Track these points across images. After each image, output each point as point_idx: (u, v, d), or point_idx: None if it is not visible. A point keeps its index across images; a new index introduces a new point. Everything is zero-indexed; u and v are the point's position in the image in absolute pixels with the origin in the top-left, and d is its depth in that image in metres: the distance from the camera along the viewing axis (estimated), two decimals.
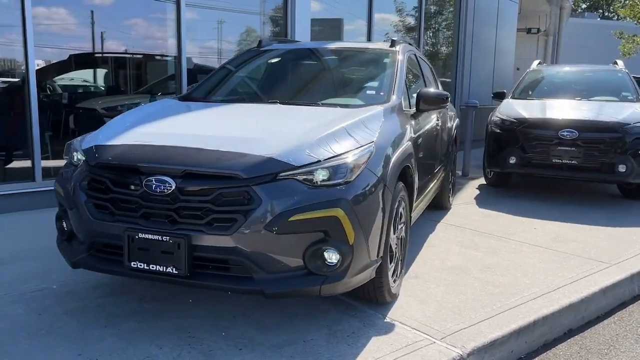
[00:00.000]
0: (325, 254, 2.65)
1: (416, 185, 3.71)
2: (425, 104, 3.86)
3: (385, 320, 3.08)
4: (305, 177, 2.60)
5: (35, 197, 5.37)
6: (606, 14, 42.71)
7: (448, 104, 4.00)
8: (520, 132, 6.58)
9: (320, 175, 2.63)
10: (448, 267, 4.01)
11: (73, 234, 2.98)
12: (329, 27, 10.13)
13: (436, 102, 3.90)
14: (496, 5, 12.56)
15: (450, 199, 5.95)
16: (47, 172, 5.55)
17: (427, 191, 4.35)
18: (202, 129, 3.04)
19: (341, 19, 10.37)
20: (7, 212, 5.22)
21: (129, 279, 3.43)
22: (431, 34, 11.98)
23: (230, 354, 2.65)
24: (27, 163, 5.50)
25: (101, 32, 7.15)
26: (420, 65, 4.84)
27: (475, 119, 8.40)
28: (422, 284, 3.67)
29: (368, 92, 3.92)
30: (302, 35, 7.52)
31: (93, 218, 2.78)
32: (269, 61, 4.54)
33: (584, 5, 43.02)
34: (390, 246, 3.19)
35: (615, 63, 8.39)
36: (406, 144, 3.38)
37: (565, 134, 6.22)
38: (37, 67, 5.69)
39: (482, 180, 7.75)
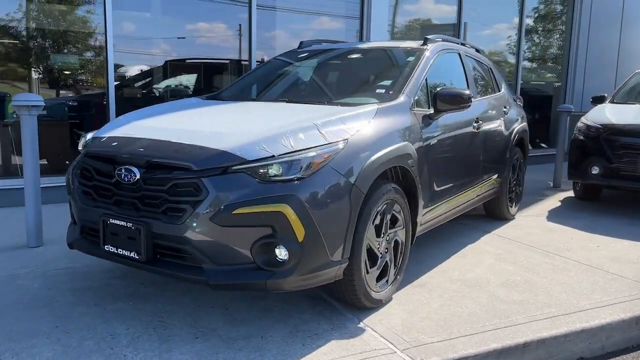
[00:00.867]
0: (277, 250, 2.63)
1: (422, 189, 3.51)
2: (443, 103, 3.65)
3: (357, 325, 2.96)
4: (256, 171, 2.61)
5: None
6: None
7: (470, 104, 3.73)
8: (605, 139, 5.92)
9: (272, 170, 2.62)
10: (464, 279, 3.74)
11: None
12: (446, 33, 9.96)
13: (455, 102, 3.66)
14: (621, 4, 11.35)
15: (512, 209, 5.51)
16: None
17: (454, 197, 4.09)
18: (187, 125, 3.17)
19: (454, 24, 10.12)
20: None
21: None
22: (538, 36, 11.18)
23: (185, 341, 2.73)
24: None
25: (192, 40, 7.72)
26: (464, 66, 4.56)
27: (572, 125, 7.67)
28: (424, 293, 3.46)
29: (378, 90, 3.80)
30: (379, 37, 7.44)
31: (81, 203, 3.03)
32: (298, 61, 4.58)
33: None
34: (372, 249, 3.07)
35: None
36: (401, 145, 3.23)
37: None
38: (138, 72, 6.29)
39: (572, 193, 7.07)
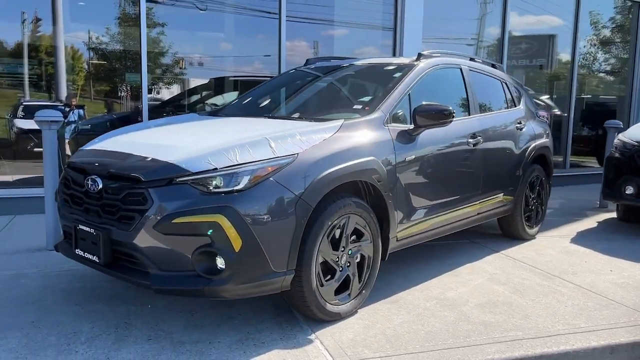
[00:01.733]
0: (217, 259, 2.75)
1: (395, 205, 3.50)
2: (422, 118, 3.64)
3: (307, 337, 3.01)
4: (199, 183, 2.75)
5: None
6: None
7: (451, 120, 3.68)
8: None
9: (214, 182, 2.75)
10: (442, 298, 3.67)
11: None
12: (537, 44, 9.82)
13: (434, 118, 3.63)
14: None
15: (530, 229, 5.29)
16: None
17: (443, 214, 4.02)
18: (159, 139, 3.37)
19: (552, 35, 9.94)
20: None
21: None
22: (597, 49, 10.61)
23: (137, 342, 2.90)
24: None
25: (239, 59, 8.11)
26: (465, 81, 4.49)
27: None
28: (393, 309, 3.44)
29: (356, 106, 3.84)
30: (412, 51, 7.42)
31: (62, 209, 3.31)
32: (295, 79, 4.71)
33: None
34: (327, 262, 3.11)
35: None
36: (364, 160, 3.25)
37: None
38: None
39: (616, 214, 6.65)
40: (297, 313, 3.27)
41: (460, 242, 5.11)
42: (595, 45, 10.47)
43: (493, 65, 5.25)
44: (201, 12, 7.37)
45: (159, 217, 2.72)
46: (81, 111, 7.23)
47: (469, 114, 4.44)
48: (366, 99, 3.92)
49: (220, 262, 2.74)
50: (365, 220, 3.31)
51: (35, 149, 6.90)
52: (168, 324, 3.15)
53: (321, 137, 3.15)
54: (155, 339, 2.95)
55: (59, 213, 3.40)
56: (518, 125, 5.02)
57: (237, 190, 2.74)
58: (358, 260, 3.34)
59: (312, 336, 3.02)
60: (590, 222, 6.33)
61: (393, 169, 3.48)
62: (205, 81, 8.30)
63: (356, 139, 3.31)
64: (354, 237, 3.30)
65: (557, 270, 4.37)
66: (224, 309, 3.35)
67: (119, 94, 7.35)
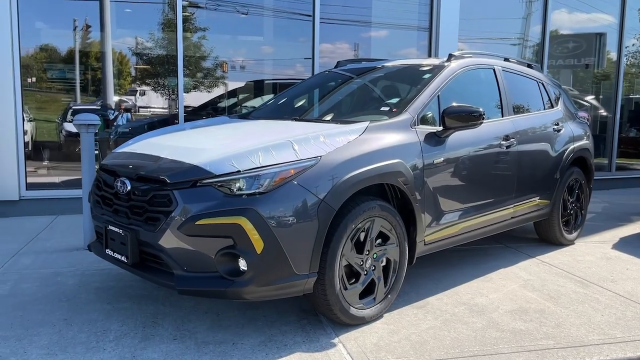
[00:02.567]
0: (240, 261, 2.77)
1: (423, 208, 3.45)
2: (451, 120, 3.57)
3: (331, 340, 3.00)
4: (222, 185, 2.77)
5: None
6: None
7: (482, 121, 3.60)
8: None
9: (237, 185, 2.77)
10: (472, 304, 3.59)
11: None
12: (585, 42, 9.60)
13: (464, 119, 3.57)
14: None
15: (568, 234, 5.12)
16: None
17: (474, 217, 3.93)
18: (187, 142, 3.43)
19: (601, 33, 9.70)
20: None
21: None
22: None
23: (162, 341, 2.96)
24: None
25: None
26: (498, 82, 4.38)
27: None
28: (419, 314, 3.39)
29: (384, 108, 3.80)
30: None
31: (94, 211, 3.41)
32: (326, 81, 4.70)
33: None
34: (351, 266, 3.09)
35: None
36: (389, 163, 3.21)
37: None
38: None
39: None
40: (322, 316, 3.26)
41: (494, 246, 5.00)
42: None
43: (529, 66, 5.11)
44: (242, 16, 7.48)
45: (183, 219, 2.76)
46: (129, 115, 7.49)
47: (502, 116, 4.33)
48: (394, 100, 3.88)
49: (242, 264, 2.76)
50: (390, 224, 3.27)
51: None
52: (194, 323, 3.19)
53: (345, 139, 3.13)
54: (181, 338, 2.99)
55: (91, 214, 3.50)
56: (555, 126, 4.87)
57: (260, 193, 2.75)
58: (384, 264, 3.31)
59: (336, 340, 3.00)
60: (635, 228, 6.08)
61: (420, 172, 3.43)
62: (242, 84, 8.40)
63: (382, 141, 3.28)
64: (379, 240, 3.27)
65: (595, 277, 4.21)
66: (249, 311, 3.37)
67: (161, 97, 7.55)
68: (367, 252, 3.18)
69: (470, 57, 4.31)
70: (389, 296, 3.34)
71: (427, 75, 3.94)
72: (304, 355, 2.82)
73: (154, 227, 2.86)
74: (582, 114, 5.65)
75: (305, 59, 7.50)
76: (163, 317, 3.28)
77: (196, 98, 7.87)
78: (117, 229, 3.09)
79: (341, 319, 3.08)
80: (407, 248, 3.42)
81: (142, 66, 7.52)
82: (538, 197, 4.65)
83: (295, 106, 4.50)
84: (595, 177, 5.63)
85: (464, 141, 3.79)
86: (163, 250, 2.85)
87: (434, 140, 3.58)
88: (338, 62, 4.98)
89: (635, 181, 9.20)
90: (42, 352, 2.80)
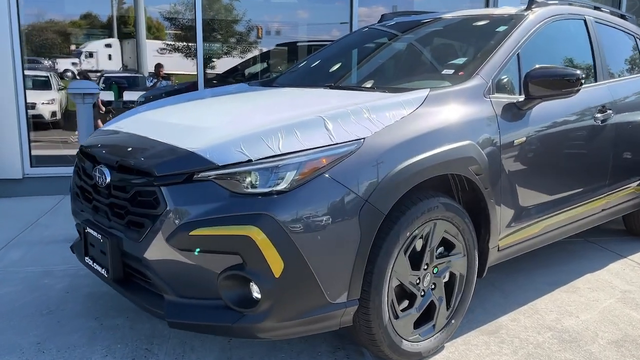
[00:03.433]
0: (251, 286, 2.00)
1: (499, 204, 2.59)
2: (537, 87, 2.67)
3: None
4: (227, 180, 1.99)
5: None
6: None
7: (579, 88, 2.69)
8: None
9: (247, 180, 1.98)
10: (560, 328, 2.74)
11: None
12: None
13: (555, 86, 2.66)
14: None
15: None
16: None
17: (559, 213, 3.05)
18: (189, 117, 2.63)
19: None
20: None
21: None
22: None
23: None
24: None
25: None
26: (590, 37, 3.42)
27: None
28: (491, 343, 2.57)
29: (446, 71, 2.91)
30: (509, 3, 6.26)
31: (72, 205, 2.68)
32: (368, 39, 3.81)
33: None
34: (404, 286, 2.29)
35: None
36: (459, 145, 2.37)
37: None
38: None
39: None
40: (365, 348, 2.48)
41: (572, 241, 4.09)
42: None
43: (623, 17, 4.08)
44: None
45: (173, 227, 1.99)
46: (169, 82, 6.99)
47: (596, 81, 3.38)
48: (459, 61, 2.98)
49: (255, 291, 1.99)
50: (457, 227, 2.44)
51: None
52: (197, 353, 2.46)
53: (398, 114, 2.28)
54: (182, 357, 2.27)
55: (71, 209, 2.77)
56: None
57: (278, 192, 1.95)
58: (446, 279, 2.49)
59: None
60: None
61: (497, 156, 2.56)
62: (272, 48, 7.58)
63: (446, 115, 2.42)
64: (441, 249, 2.44)
65: None
66: None
67: (189, 63, 6.89)
68: (426, 267, 2.37)
69: (556, 4, 3.34)
70: (453, 322, 2.53)
71: (501, 29, 3.01)
72: None
73: (138, 235, 2.10)
74: None
75: (341, 23, 6.63)
76: (160, 343, 2.56)
77: (224, 64, 7.15)
78: (96, 233, 2.35)
79: (390, 357, 2.29)
80: (476, 257, 2.58)
81: (174, 31, 6.95)
82: (637, 183, 3.70)
83: (329, 70, 3.64)
84: None
85: (551, 114, 2.88)
86: (149, 266, 2.10)
87: (513, 113, 2.69)
88: (383, 16, 4.08)
89: None
90: None
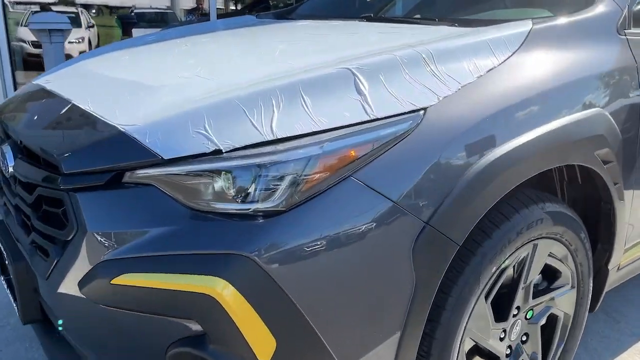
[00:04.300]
0: None
1: (628, 207, 1.65)
2: None
3: None
4: (180, 185, 1.11)
5: None
6: None
7: None
8: None
9: (214, 187, 1.10)
10: None
11: None
12: None
13: None
14: None
15: None
16: None
17: None
18: (144, 68, 1.71)
19: None
20: None
21: None
22: None
23: None
24: None
25: None
26: None
27: None
28: None
29: None
30: None
31: None
32: None
33: None
34: (480, 348, 1.41)
35: None
36: (584, 115, 1.42)
37: None
38: None
39: None
40: None
41: None
42: None
43: None
44: None
45: (86, 266, 1.14)
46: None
47: None
48: None
49: None
50: (567, 248, 1.52)
51: None
52: None
53: (482, 64, 1.33)
54: None
55: None
56: None
57: (268, 212, 1.08)
58: (540, 328, 1.60)
59: None
60: None
61: (636, 132, 1.59)
62: None
63: (560, 66, 1.45)
64: (538, 280, 1.54)
65: None
66: None
67: None
68: (516, 312, 1.48)
69: None
70: None
71: None
72: None
73: (44, 269, 1.26)
74: None
75: None
76: None
77: None
78: (1, 246, 1.54)
79: None
80: (591, 286, 1.67)
81: None
82: None
83: None
84: None
85: None
86: (57, 316, 1.28)
87: None
88: None
89: None
90: None
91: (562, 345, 1.66)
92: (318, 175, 1.09)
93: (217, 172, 1.10)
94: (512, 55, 1.38)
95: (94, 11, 9.38)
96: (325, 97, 1.18)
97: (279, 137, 1.10)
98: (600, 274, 1.73)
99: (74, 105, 1.41)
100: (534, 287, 1.51)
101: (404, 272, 1.16)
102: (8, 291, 1.60)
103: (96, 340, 1.22)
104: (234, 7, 9.28)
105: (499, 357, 1.48)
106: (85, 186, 1.17)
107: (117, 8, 8.78)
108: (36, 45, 5.16)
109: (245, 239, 1.05)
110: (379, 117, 1.16)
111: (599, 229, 1.67)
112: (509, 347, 1.51)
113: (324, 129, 1.12)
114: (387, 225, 1.12)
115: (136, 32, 6.12)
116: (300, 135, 1.11)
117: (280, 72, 1.30)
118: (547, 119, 1.34)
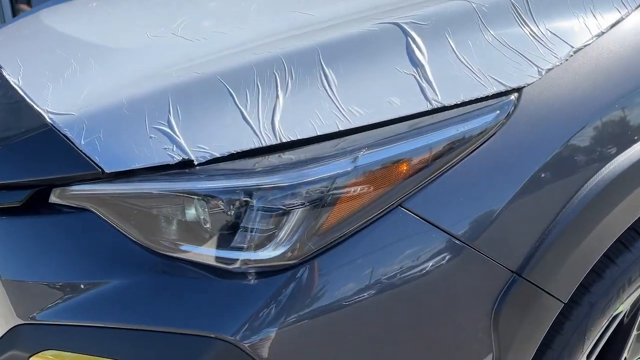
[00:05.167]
0: None
1: None
2: None
3: None
4: (134, 215, 0.71)
5: None
6: None
7: None
8: None
9: (187, 218, 0.70)
10: None
11: None
12: None
13: None
14: None
15: None
16: None
17: None
18: (122, 27, 1.26)
19: None
20: None
21: None
22: None
23: None
24: None
25: None
26: None
27: None
28: None
29: None
30: None
31: None
32: None
33: None
34: None
35: None
36: None
37: None
38: None
39: None
40: None
41: None
42: None
43: None
44: None
45: (2, 329, 0.76)
46: None
47: None
48: None
49: None
50: None
51: None
52: None
53: (604, 17, 0.85)
54: None
55: None
56: None
57: (269, 267, 0.66)
58: None
59: None
60: None
61: None
62: None
63: None
64: None
65: None
66: None
67: None
68: None
69: None
70: None
71: None
72: None
73: None
74: None
75: None
76: None
77: None
78: None
79: None
80: None
81: None
82: None
83: None
84: None
85: None
86: None
87: None
88: None
89: None
90: None
91: None
92: (347, 204, 0.67)
93: (188, 196, 0.69)
94: None
95: None
96: (359, 72, 0.75)
97: (284, 142, 0.68)
98: None
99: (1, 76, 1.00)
100: None
101: (482, 346, 0.75)
102: None
103: None
104: None
105: None
106: None
107: None
108: None
109: (230, 313, 0.65)
110: (446, 104, 0.72)
111: None
112: None
113: (357, 126, 0.69)
114: (455, 283, 0.70)
115: None
116: (318, 137, 0.69)
117: (290, 27, 0.86)
118: None
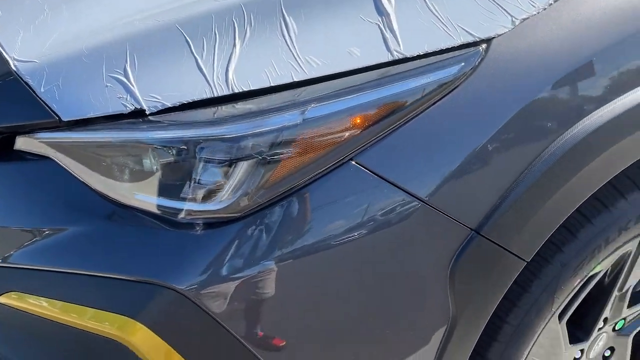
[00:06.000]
0: None
1: None
2: None
3: None
4: (93, 162, 0.72)
5: None
6: None
7: None
8: None
9: (143, 166, 0.70)
10: None
11: None
12: None
13: None
14: None
15: None
16: None
17: None
18: None
19: None
20: None
21: None
22: None
23: None
24: None
25: None
26: None
27: None
28: None
29: None
30: None
31: None
32: None
33: None
34: None
35: None
36: None
37: None
38: None
39: None
40: None
41: None
42: None
43: None
44: None
45: None
46: None
47: None
48: None
49: None
50: None
51: None
52: None
53: None
54: None
55: None
56: None
57: (213, 218, 0.66)
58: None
59: None
60: None
61: None
62: None
63: None
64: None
65: None
66: None
67: None
68: (602, 325, 1.05)
69: None
70: None
71: None
72: None
73: None
74: None
75: None
76: None
77: None
78: None
79: None
80: None
81: None
82: None
83: None
84: None
85: None
86: None
87: None
88: None
89: None
90: None
91: None
92: (295, 158, 0.66)
93: (144, 146, 0.70)
94: None
95: None
96: (321, 21, 0.72)
97: (235, 92, 0.67)
98: None
99: None
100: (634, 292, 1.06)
101: (436, 311, 0.75)
102: None
103: None
104: None
105: None
106: None
107: None
108: None
109: (178, 262, 0.66)
110: (408, 56, 0.69)
111: None
112: None
113: (313, 77, 0.68)
114: (409, 240, 0.70)
115: None
116: (272, 88, 0.67)
117: None
118: None
